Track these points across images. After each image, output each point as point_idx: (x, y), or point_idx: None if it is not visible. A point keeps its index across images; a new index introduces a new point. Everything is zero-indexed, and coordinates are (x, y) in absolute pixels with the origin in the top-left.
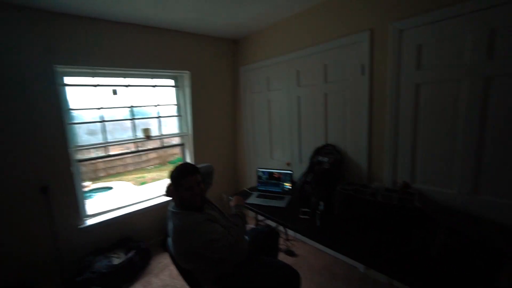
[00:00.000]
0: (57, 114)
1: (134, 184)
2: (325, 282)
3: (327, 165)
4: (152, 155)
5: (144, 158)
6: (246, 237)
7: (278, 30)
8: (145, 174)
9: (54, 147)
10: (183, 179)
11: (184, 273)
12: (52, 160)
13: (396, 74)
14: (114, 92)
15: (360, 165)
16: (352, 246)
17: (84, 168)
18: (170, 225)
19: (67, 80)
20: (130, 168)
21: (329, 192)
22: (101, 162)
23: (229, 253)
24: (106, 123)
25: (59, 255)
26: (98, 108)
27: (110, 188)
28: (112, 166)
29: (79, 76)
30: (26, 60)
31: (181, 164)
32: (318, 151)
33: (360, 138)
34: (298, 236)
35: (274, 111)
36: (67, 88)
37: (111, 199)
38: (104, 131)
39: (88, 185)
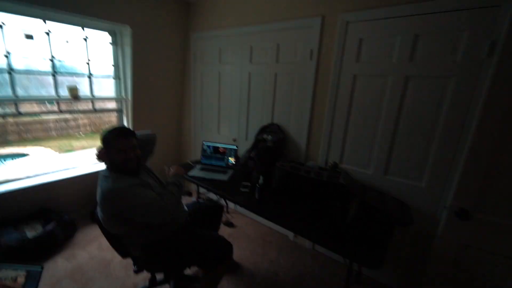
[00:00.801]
0: None
1: (58, 152)
2: (259, 248)
3: (271, 143)
4: (82, 120)
5: (72, 123)
6: (185, 208)
7: None
8: (73, 142)
9: None
10: (115, 141)
11: (113, 240)
12: None
13: (339, 63)
14: (29, 37)
15: (299, 145)
16: (284, 217)
17: None
18: (99, 190)
19: None
20: (53, 133)
21: (270, 168)
22: (11, 122)
23: (160, 219)
24: (16, 74)
25: None
26: (6, 55)
27: (25, 154)
28: (28, 130)
29: None
30: None
31: (114, 126)
32: (264, 129)
33: (302, 120)
34: (239, 209)
35: (224, 85)
36: None
37: (28, 166)
38: (12, 83)
39: None
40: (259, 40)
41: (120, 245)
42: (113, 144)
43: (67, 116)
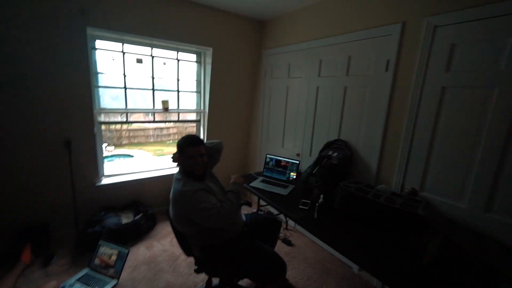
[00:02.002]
0: (86, 76)
1: (153, 155)
2: (316, 275)
3: (335, 160)
4: (173, 129)
5: (165, 132)
6: (243, 217)
7: (306, 14)
8: (164, 147)
9: (81, 107)
10: (187, 148)
11: (179, 237)
12: (77, 118)
13: (422, 74)
14: (139, 61)
15: (369, 165)
16: (346, 244)
17: (109, 133)
18: (172, 190)
19: (98, 44)
20: (151, 139)
21: (332, 187)
22: (125, 130)
23: (218, 224)
24: (128, 90)
25: (76, 206)
26: (123, 75)
27: (131, 155)
28: (135, 136)
29: (109, 41)
30: (60, 20)
31: (188, 135)
32: (329, 145)
33: (374, 138)
34: (299, 228)
35: (292, 99)
36: (97, 51)
37: (130, 165)
38: (126, 98)
39: (112, 149)
40: (329, 53)
41: (185, 243)
42: (185, 151)
43: (161, 125)
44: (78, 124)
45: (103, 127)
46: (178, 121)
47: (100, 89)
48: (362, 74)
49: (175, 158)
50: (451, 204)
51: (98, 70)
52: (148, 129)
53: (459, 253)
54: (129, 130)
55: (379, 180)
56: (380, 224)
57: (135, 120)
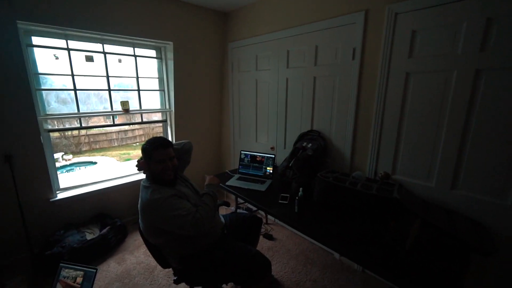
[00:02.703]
0: (22, 77)
1: (119, 160)
2: (300, 266)
3: (310, 151)
4: (138, 131)
5: (129, 134)
6: (222, 220)
7: (270, 4)
8: (130, 151)
9: (19, 113)
10: (154, 152)
11: (152, 249)
12: (17, 127)
13: (387, 61)
14: (89, 59)
15: (343, 153)
16: (328, 234)
17: (65, 140)
18: (140, 200)
19: (35, 40)
20: (115, 143)
21: (310, 178)
22: (83, 135)
23: (195, 231)
24: (79, 92)
25: (28, 228)
26: (71, 75)
27: (94, 162)
28: (96, 141)
29: (50, 38)
30: None
31: (154, 137)
32: (303, 136)
33: (346, 126)
34: (278, 220)
35: (262, 92)
36: (35, 49)
37: (92, 173)
38: (76, 100)
39: (70, 158)
40: (296, 43)
41: (160, 255)
42: (152, 155)
43: (125, 128)
44: (18, 134)
45: (55, 134)
46: (142, 122)
47: (44, 92)
48: (330, 63)
49: (140, 164)
50: (421, 184)
51: (39, 71)
52: (111, 132)
53: (436, 232)
54: (89, 135)
55: (354, 167)
56: (360, 212)
57: (91, 125)
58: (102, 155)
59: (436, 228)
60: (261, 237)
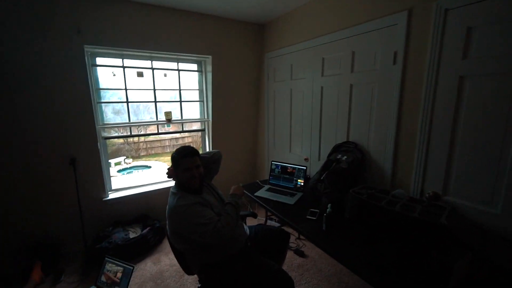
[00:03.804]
0: (87, 93)
1: (169, 165)
2: None
3: (345, 164)
4: (188, 139)
5: (180, 141)
6: (247, 231)
7: (305, 12)
8: None
9: (83, 123)
10: (181, 160)
11: (178, 255)
12: (80, 135)
13: (435, 64)
14: (140, 74)
15: (383, 168)
16: (359, 260)
17: (127, 146)
18: (167, 205)
19: (98, 61)
20: (167, 150)
21: (343, 194)
22: (142, 142)
23: (216, 240)
24: (130, 104)
25: (84, 223)
26: (125, 89)
27: (149, 166)
28: (152, 147)
29: (109, 57)
30: (58, 40)
31: (182, 146)
32: (337, 148)
33: (386, 137)
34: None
35: (296, 101)
36: (98, 68)
37: (144, 176)
38: (128, 111)
39: (130, 162)
40: (332, 50)
41: (184, 261)
42: (179, 163)
43: (177, 136)
44: (81, 141)
45: (120, 140)
46: (182, 131)
47: (103, 105)
48: (368, 69)
49: (169, 172)
50: (481, 209)
51: (100, 86)
52: (164, 139)
53: (494, 272)
54: (146, 142)
55: (395, 184)
56: (398, 237)
57: (138, 133)
58: (156, 160)
59: (496, 266)
60: (291, 253)
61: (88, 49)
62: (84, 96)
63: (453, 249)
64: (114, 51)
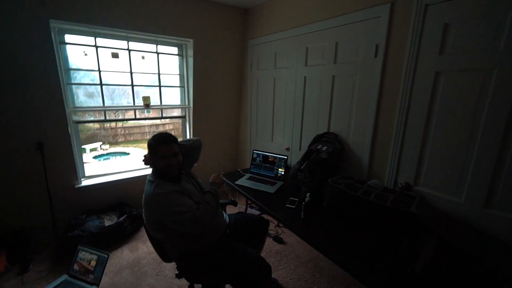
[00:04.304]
0: (54, 73)
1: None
2: (308, 275)
3: (325, 155)
4: (169, 126)
5: (161, 128)
6: (226, 219)
7: None
8: None
9: (51, 106)
10: (158, 147)
11: (155, 243)
12: (48, 118)
13: (414, 58)
14: (115, 55)
15: (361, 159)
16: (335, 247)
17: (104, 131)
18: (144, 193)
19: (67, 38)
20: (147, 136)
21: (322, 183)
22: (120, 128)
23: (194, 229)
24: (104, 86)
25: (54, 210)
26: (98, 71)
27: (127, 153)
28: (130, 133)
29: (80, 35)
30: (18, 13)
31: (159, 133)
32: (318, 139)
33: (365, 129)
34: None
35: (279, 90)
36: (67, 46)
37: (123, 163)
38: (102, 95)
39: (107, 148)
40: (316, 39)
41: (161, 249)
42: (156, 150)
43: (157, 122)
44: (50, 124)
45: (96, 125)
46: (162, 117)
47: (74, 86)
48: (351, 61)
49: (146, 159)
50: (447, 199)
51: (70, 66)
52: (144, 126)
53: (457, 255)
54: (124, 128)
55: (371, 174)
56: (372, 224)
57: (113, 119)
58: (135, 147)
59: (458, 250)
60: (270, 240)
61: (54, 24)
62: (51, 76)
63: (421, 236)
64: (85, 29)
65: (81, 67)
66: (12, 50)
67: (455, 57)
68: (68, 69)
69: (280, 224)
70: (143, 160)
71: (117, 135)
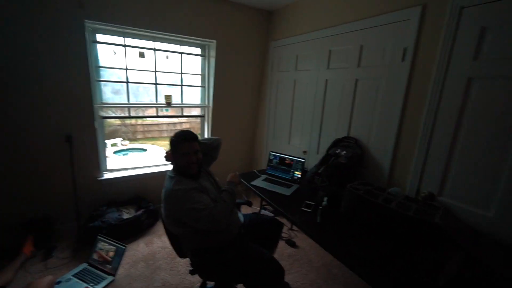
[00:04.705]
0: (85, 70)
1: (165, 150)
2: (320, 280)
3: (344, 159)
4: (186, 125)
5: (178, 126)
6: (241, 219)
7: (315, 2)
8: None
9: (80, 101)
10: (179, 144)
11: (171, 238)
12: (77, 113)
13: (445, 63)
14: (141, 55)
15: (381, 166)
16: (351, 254)
17: (124, 128)
18: (163, 189)
19: (99, 37)
20: (165, 134)
21: (340, 188)
22: (139, 125)
23: (210, 226)
24: (130, 84)
25: (77, 201)
26: (125, 69)
27: (145, 150)
28: (149, 130)
29: (110, 35)
30: (58, 13)
31: (181, 130)
32: (337, 143)
33: (387, 135)
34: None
35: (299, 93)
36: (98, 45)
37: (140, 159)
38: (128, 92)
39: (126, 144)
40: (339, 42)
41: (177, 244)
42: (178, 147)
43: (175, 120)
44: (78, 118)
45: (117, 121)
46: (182, 116)
47: (102, 83)
48: (375, 65)
49: (168, 156)
50: (474, 211)
51: (100, 64)
52: (162, 124)
53: (483, 271)
54: (144, 125)
55: (392, 182)
56: (391, 233)
57: (136, 115)
58: (152, 144)
59: (485, 266)
60: (283, 243)
61: (88, 24)
62: (83, 73)
63: (446, 248)
64: (116, 29)
65: (109, 65)
66: (50, 48)
67: (491, 63)
68: (97, 67)
69: (294, 228)
70: (165, 157)
71: (136, 131)
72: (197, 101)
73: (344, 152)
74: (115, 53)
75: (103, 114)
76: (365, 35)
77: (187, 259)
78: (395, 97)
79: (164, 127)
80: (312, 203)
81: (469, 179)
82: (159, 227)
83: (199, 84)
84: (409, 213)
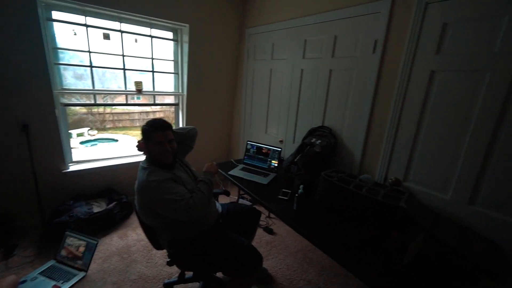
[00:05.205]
0: (40, 51)
1: (138, 140)
2: (297, 265)
3: (318, 148)
4: (160, 114)
5: (151, 115)
6: (219, 208)
7: None
8: None
9: (37, 86)
10: (152, 133)
11: (146, 230)
12: (34, 99)
13: (411, 56)
14: (106, 36)
15: (353, 154)
16: (325, 238)
17: (91, 117)
18: (137, 180)
19: (55, 15)
20: (137, 124)
21: (315, 176)
22: (108, 113)
23: (187, 217)
24: (94, 69)
25: (40, 195)
26: (88, 52)
27: (116, 140)
28: (119, 119)
29: (68, 12)
30: None
31: (153, 119)
32: (312, 132)
33: (359, 124)
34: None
35: (275, 82)
36: (54, 24)
37: (111, 150)
38: (92, 77)
39: (94, 134)
40: (315, 32)
41: (153, 236)
42: (151, 136)
43: (147, 109)
44: (36, 105)
45: (82, 110)
46: (154, 104)
47: (62, 67)
48: (349, 55)
49: (140, 145)
50: (434, 195)
51: (58, 45)
52: (133, 112)
53: (442, 249)
54: (113, 114)
55: (363, 169)
56: (362, 218)
57: (103, 103)
58: (123, 134)
59: (443, 244)
60: (261, 230)
61: None
62: (38, 55)
63: (410, 229)
64: (74, 5)
65: (69, 47)
66: None
67: (451, 57)
68: (55, 48)
69: (271, 215)
70: (137, 146)
71: (105, 121)
72: (171, 88)
73: (319, 141)
74: (75, 34)
75: (65, 101)
76: (339, 25)
77: (164, 250)
78: (367, 87)
79: (136, 116)
80: (288, 191)
81: (430, 165)
82: (133, 220)
83: (172, 71)
84: (378, 198)
